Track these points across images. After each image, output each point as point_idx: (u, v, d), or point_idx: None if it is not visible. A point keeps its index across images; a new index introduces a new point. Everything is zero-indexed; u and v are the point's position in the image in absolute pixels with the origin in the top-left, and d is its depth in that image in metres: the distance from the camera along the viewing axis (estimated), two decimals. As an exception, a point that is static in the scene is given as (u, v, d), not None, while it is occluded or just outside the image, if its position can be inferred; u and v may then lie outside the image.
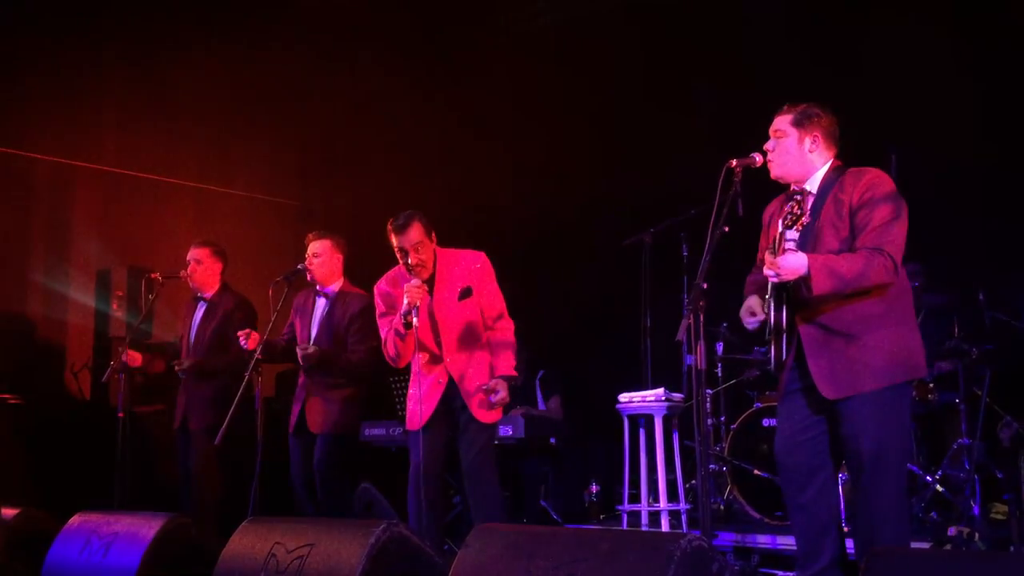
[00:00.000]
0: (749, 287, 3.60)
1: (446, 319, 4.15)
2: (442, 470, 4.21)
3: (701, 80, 6.46)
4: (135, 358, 5.16)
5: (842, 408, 3.29)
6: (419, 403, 4.15)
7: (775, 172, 3.47)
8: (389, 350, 4.16)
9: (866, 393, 3.25)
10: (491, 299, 4.24)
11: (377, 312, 4.28)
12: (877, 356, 3.26)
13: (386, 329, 4.18)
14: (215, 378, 5.15)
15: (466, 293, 4.17)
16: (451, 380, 4.16)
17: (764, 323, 3.43)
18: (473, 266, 4.21)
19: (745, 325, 3.50)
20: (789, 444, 3.42)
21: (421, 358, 4.21)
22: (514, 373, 4.19)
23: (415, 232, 4.08)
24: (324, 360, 4.78)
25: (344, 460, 4.86)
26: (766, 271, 3.24)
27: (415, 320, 3.96)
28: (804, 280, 3.19)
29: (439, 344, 4.16)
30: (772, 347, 3.40)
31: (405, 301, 3.96)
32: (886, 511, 3.24)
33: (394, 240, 4.11)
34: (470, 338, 4.18)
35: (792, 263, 3.16)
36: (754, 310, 3.45)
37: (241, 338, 4.68)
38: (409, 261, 4.05)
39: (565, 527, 5.21)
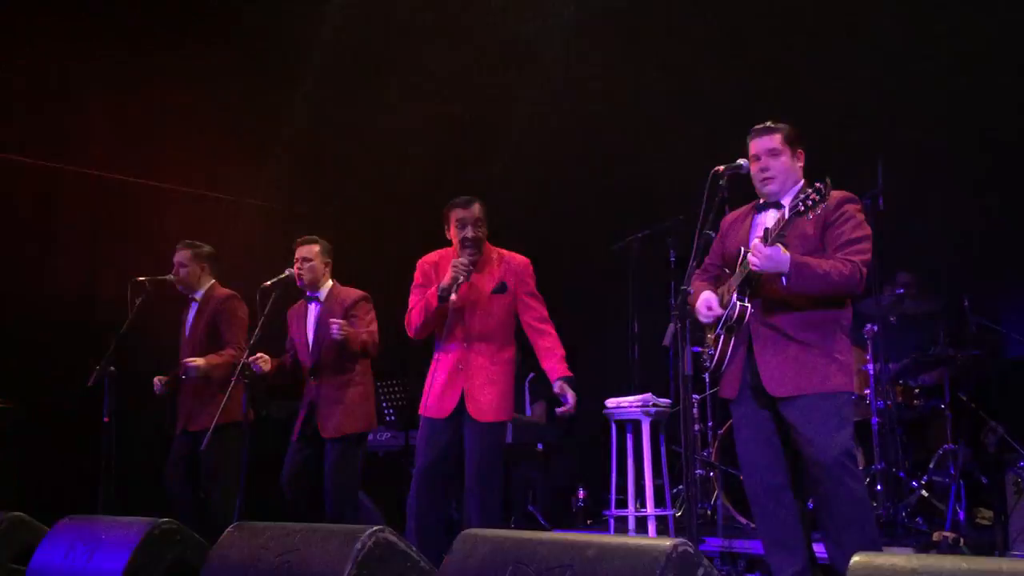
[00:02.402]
0: (699, 288, 3.66)
1: (476, 307, 4.19)
2: (452, 469, 4.18)
3: (690, 87, 6.49)
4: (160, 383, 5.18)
5: (789, 410, 3.37)
6: (440, 390, 4.14)
7: (772, 188, 3.54)
8: (414, 318, 4.20)
9: (811, 395, 3.34)
10: (533, 303, 4.28)
11: (414, 283, 4.33)
12: (823, 362, 3.37)
13: (417, 297, 4.24)
14: (218, 379, 5.07)
15: (501, 288, 4.22)
16: (466, 372, 4.16)
17: (717, 318, 3.52)
18: (517, 267, 4.28)
19: (699, 317, 3.59)
20: (751, 445, 3.51)
21: (445, 341, 4.23)
22: (570, 374, 4.20)
23: (479, 209, 4.22)
24: (347, 341, 4.72)
25: (358, 463, 4.83)
26: (751, 257, 3.31)
27: (454, 296, 4.05)
28: (784, 277, 3.27)
29: (464, 329, 4.18)
30: (719, 343, 3.51)
31: (450, 275, 4.06)
32: (849, 514, 3.30)
33: (456, 214, 4.21)
34: (493, 334, 4.21)
35: (777, 256, 3.25)
36: (711, 305, 3.55)
37: (258, 364, 4.66)
38: (468, 234, 4.15)
39: (552, 532, 5.21)
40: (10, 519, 4.13)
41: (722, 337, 3.52)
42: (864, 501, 3.37)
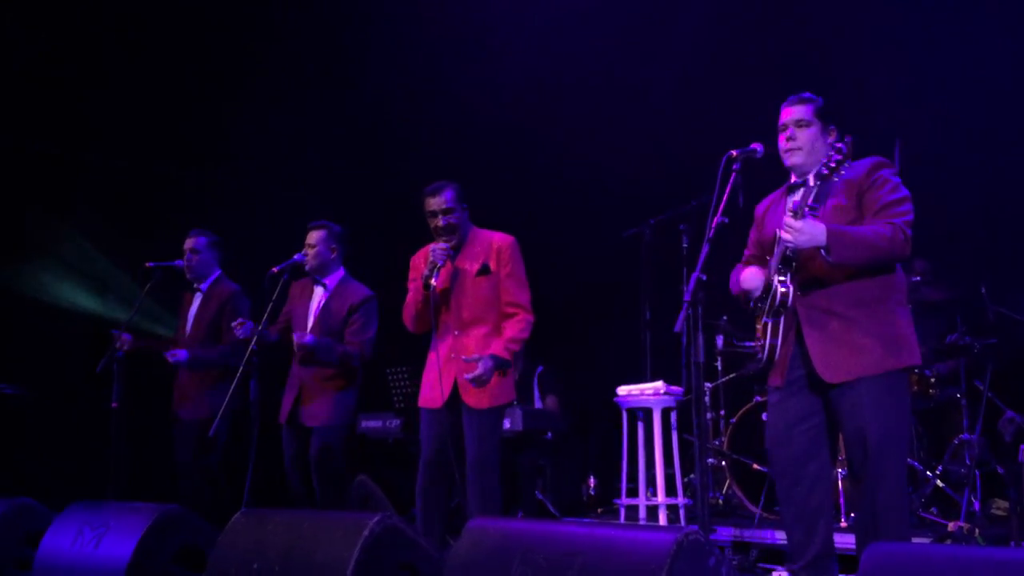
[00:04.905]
0: (736, 283, 3.57)
1: (463, 292, 4.17)
2: (456, 457, 4.14)
3: (704, 69, 6.42)
4: (125, 341, 5.10)
5: (843, 394, 3.28)
6: (434, 379, 4.11)
7: (796, 160, 3.42)
8: (407, 311, 4.24)
9: (866, 378, 3.23)
10: (508, 284, 4.20)
11: (408, 279, 4.34)
12: (875, 341, 3.25)
13: (410, 292, 4.26)
14: (210, 369, 5.11)
15: (484, 270, 4.18)
16: (458, 359, 4.12)
17: (760, 298, 3.39)
18: (497, 246, 4.23)
19: (744, 285, 3.46)
20: (783, 434, 3.40)
21: (438, 329, 4.21)
22: (505, 356, 4.09)
23: (444, 197, 4.18)
24: (318, 351, 4.74)
25: (341, 453, 4.81)
26: (783, 235, 3.21)
27: (435, 282, 4.06)
28: (824, 249, 3.16)
29: (454, 317, 4.17)
30: (768, 331, 3.38)
31: (430, 259, 4.08)
32: (888, 503, 3.22)
33: (426, 203, 4.22)
34: (482, 317, 4.17)
35: (811, 229, 3.15)
36: (756, 274, 3.43)
37: (236, 328, 4.65)
38: (438, 223, 4.16)
39: (562, 521, 5.19)
40: (19, 504, 4.14)
41: (769, 325, 3.38)
42: (903, 493, 3.29)
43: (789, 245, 3.21)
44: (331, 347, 4.78)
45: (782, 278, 3.30)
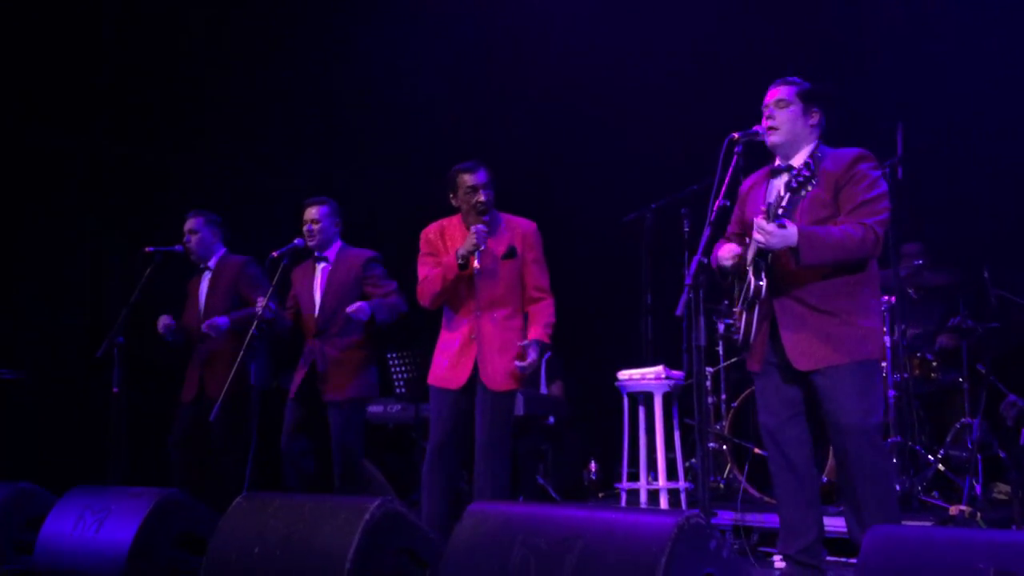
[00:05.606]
0: (715, 258, 3.59)
1: (487, 273, 4.14)
2: (465, 441, 4.14)
3: (705, 52, 6.38)
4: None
5: (816, 381, 3.33)
6: (452, 360, 4.11)
7: (775, 139, 3.45)
8: (429, 288, 4.15)
9: (839, 366, 3.28)
10: (534, 269, 4.23)
11: (420, 253, 4.29)
12: (848, 331, 3.31)
13: (428, 267, 4.20)
14: (246, 326, 4.98)
15: (510, 253, 4.18)
16: (478, 340, 4.11)
17: (737, 279, 3.42)
18: (523, 231, 4.24)
19: (722, 262, 3.51)
20: (775, 419, 3.46)
21: (456, 310, 4.19)
22: (547, 341, 4.15)
23: (482, 173, 4.20)
24: (377, 313, 4.69)
25: (362, 427, 4.79)
26: (755, 235, 3.26)
27: (477, 264, 4.04)
28: (793, 251, 3.21)
29: (474, 297, 4.14)
30: (743, 319, 3.45)
31: (472, 241, 4.02)
32: (865, 490, 3.26)
33: (465, 179, 4.18)
34: (504, 300, 4.16)
35: (782, 232, 3.19)
36: (735, 252, 3.49)
37: (257, 303, 4.60)
38: (480, 198, 4.14)
39: (563, 505, 5.19)
40: (20, 489, 4.15)
41: (744, 314, 3.46)
42: (886, 475, 3.34)
43: (761, 247, 3.26)
44: (381, 305, 4.75)
45: (758, 271, 3.35)
